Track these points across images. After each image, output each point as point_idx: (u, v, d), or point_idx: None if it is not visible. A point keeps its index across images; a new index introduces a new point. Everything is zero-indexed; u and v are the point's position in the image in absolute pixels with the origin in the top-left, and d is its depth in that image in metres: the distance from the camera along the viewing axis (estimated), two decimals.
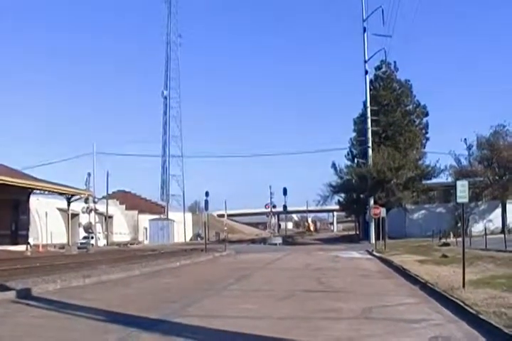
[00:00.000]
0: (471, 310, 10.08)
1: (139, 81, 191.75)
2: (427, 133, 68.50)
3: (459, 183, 14.48)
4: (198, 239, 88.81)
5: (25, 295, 13.80)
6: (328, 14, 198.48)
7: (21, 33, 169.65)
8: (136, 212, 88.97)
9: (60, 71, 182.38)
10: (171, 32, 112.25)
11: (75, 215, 61.47)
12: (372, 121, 60.02)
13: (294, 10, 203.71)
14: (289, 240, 70.73)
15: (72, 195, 53.22)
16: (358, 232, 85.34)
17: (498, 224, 56.94)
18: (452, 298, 11.72)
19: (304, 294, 14.19)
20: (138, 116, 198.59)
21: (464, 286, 13.15)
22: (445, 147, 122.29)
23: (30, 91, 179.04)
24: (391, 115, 64.29)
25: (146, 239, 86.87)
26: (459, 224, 48.94)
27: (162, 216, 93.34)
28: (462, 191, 14.19)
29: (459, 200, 14.37)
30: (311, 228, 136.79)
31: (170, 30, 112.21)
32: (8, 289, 14.21)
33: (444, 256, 25.90)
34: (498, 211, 58.66)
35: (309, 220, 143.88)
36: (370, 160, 58.46)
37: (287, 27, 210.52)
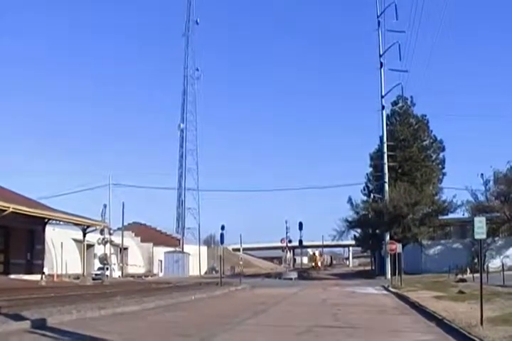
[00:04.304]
0: None
1: (156, 114, 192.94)
2: (443, 168, 68.34)
3: (476, 220, 14.45)
4: (213, 272, 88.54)
5: (40, 325, 13.78)
6: (343, 50, 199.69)
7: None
8: (152, 244, 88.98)
9: (79, 102, 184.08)
10: (188, 65, 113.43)
11: (90, 246, 61.52)
12: (388, 156, 59.94)
13: (309, 45, 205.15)
14: (304, 275, 70.29)
15: (88, 226, 53.39)
16: (373, 268, 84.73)
17: None
18: (470, 336, 11.61)
19: (320, 330, 14.07)
20: (155, 148, 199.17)
21: (481, 323, 13.02)
22: (462, 182, 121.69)
23: (47, 121, 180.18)
24: (408, 150, 64.24)
25: (161, 271, 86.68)
26: (476, 260, 48.52)
27: (177, 249, 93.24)
28: (480, 227, 14.16)
29: (476, 236, 14.32)
30: (319, 264, 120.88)
31: (187, 63, 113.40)
32: (23, 319, 14.18)
33: (461, 292, 25.70)
34: None
35: (317, 254, 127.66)
36: (387, 196, 58.22)
37: (301, 61, 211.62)
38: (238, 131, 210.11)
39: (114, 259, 71.20)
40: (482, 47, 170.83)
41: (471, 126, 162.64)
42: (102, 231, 60.15)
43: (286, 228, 78.88)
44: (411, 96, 67.82)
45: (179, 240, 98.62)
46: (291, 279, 57.13)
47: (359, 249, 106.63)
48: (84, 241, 54.00)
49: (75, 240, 61.32)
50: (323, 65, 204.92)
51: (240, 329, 14.39)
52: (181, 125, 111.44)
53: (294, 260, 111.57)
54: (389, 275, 49.28)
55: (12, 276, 42.75)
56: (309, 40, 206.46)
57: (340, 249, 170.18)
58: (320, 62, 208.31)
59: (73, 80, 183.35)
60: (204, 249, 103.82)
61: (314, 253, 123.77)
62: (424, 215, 57.73)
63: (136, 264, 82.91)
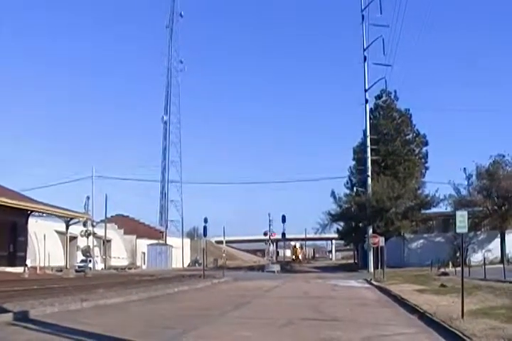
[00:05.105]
0: None
1: (140, 106, 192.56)
2: (426, 162, 68.59)
3: (458, 213, 14.54)
4: (196, 265, 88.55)
5: (22, 317, 13.76)
6: (329, 43, 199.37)
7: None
8: (135, 236, 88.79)
9: (61, 94, 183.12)
10: (172, 58, 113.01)
11: (73, 238, 61.36)
12: (371, 150, 60.09)
13: (296, 36, 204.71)
14: (287, 268, 70.46)
15: (71, 218, 53.19)
16: (356, 261, 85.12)
17: (497, 254, 56.64)
18: (451, 328, 11.70)
19: (302, 322, 14.13)
20: (138, 140, 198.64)
21: (462, 316, 13.13)
22: (444, 176, 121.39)
23: (32, 112, 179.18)
24: (391, 144, 64.42)
25: (144, 263, 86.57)
26: (458, 254, 48.84)
27: (160, 241, 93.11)
28: (461, 221, 14.24)
29: (458, 230, 14.42)
30: (300, 256, 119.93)
31: (171, 55, 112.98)
32: (5, 311, 14.16)
33: (443, 285, 25.85)
34: (497, 241, 58.35)
35: (297, 246, 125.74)
36: (370, 189, 58.41)
37: (288, 54, 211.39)
38: (222, 124, 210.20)
39: (97, 251, 71.16)
40: (466, 42, 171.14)
41: (453, 121, 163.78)
42: (85, 224, 60.14)
43: (270, 221, 79.04)
44: (394, 91, 68.06)
45: (162, 232, 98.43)
46: (273, 272, 57.17)
47: (342, 242, 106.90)
48: (67, 233, 53.80)
49: (58, 232, 61.10)
50: (307, 57, 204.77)
51: (222, 321, 14.44)
52: (164, 117, 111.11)
53: (277, 253, 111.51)
54: (371, 269, 49.65)
55: None
56: (293, 32, 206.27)
57: (324, 242, 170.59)
58: (304, 54, 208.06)
59: (62, 74, 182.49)
60: (187, 241, 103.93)
61: (295, 246, 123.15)
62: (406, 209, 58.04)
63: (119, 256, 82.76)
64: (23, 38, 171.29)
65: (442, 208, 60.19)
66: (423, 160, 68.31)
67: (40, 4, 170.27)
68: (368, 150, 59.97)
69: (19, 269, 43.96)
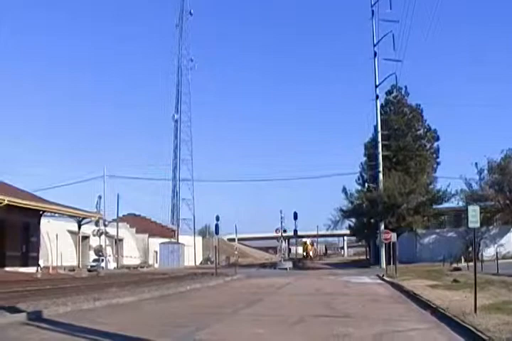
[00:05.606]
0: (483, 336, 10.01)
1: (145, 104, 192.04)
2: (437, 157, 68.49)
3: (470, 208, 14.48)
4: (208, 263, 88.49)
5: (35, 317, 13.81)
6: (338, 39, 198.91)
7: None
8: (147, 235, 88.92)
9: (62, 94, 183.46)
10: (182, 56, 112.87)
11: (85, 238, 61.54)
12: (383, 145, 59.99)
13: (304, 33, 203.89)
14: (299, 265, 70.39)
15: (83, 218, 53.41)
16: (368, 257, 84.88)
17: (510, 248, 56.53)
18: (464, 324, 11.65)
19: (314, 319, 14.13)
20: (144, 139, 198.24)
21: (475, 311, 13.08)
22: (456, 171, 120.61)
23: (32, 112, 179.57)
24: (402, 139, 64.28)
25: (156, 262, 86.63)
26: (470, 249, 48.69)
27: (172, 239, 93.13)
28: (473, 216, 14.19)
29: (470, 225, 14.36)
30: (311, 253, 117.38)
31: (181, 54, 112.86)
32: (19, 311, 14.22)
33: (456, 280, 25.79)
34: (510, 235, 58.25)
35: (308, 243, 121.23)
36: (381, 185, 58.31)
37: (289, 52, 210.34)
38: (230, 122, 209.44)
39: (109, 251, 71.26)
40: (476, 36, 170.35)
41: (464, 116, 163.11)
42: (97, 223, 60.27)
43: (281, 218, 78.80)
44: (405, 86, 68.00)
45: (174, 231, 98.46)
46: (285, 269, 57.17)
47: (354, 238, 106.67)
48: (79, 232, 54.06)
49: (70, 232, 61.30)
50: (316, 55, 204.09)
51: (234, 319, 14.46)
52: (175, 115, 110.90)
53: (289, 250, 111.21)
54: (384, 265, 49.46)
55: (7, 269, 42.66)
56: (301, 29, 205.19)
57: (335, 239, 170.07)
58: (307, 53, 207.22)
59: (69, 72, 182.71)
60: (199, 239, 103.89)
61: (306, 243, 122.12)
62: (418, 204, 57.80)
63: (131, 255, 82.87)
64: (26, 37, 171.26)
65: (454, 203, 60.02)
66: (434, 155, 68.17)
67: (40, 3, 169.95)
68: (379, 145, 59.88)
69: (32, 269, 44.13)
